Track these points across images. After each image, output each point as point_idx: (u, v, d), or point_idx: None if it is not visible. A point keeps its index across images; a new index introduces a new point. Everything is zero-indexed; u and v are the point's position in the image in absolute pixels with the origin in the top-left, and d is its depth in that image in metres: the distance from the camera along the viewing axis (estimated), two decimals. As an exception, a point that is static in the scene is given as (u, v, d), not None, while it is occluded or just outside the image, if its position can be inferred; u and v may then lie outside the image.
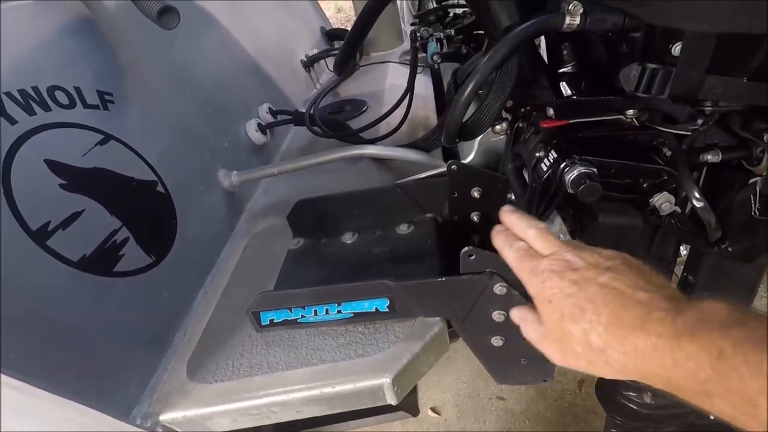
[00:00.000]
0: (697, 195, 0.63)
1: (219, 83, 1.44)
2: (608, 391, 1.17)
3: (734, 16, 0.47)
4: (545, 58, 0.76)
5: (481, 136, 1.03)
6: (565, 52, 0.66)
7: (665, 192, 0.65)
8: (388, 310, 0.79)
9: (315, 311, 0.81)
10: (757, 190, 0.70)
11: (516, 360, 0.86)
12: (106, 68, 1.01)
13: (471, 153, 1.05)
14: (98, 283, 0.78)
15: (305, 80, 2.24)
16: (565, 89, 0.68)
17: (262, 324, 0.83)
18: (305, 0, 2.90)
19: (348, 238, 1.05)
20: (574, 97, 0.67)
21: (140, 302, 0.86)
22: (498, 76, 0.59)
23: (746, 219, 0.73)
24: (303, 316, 0.82)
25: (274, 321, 0.82)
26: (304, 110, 1.74)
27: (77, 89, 0.89)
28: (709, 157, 0.69)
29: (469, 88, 0.58)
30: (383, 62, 2.48)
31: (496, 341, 0.83)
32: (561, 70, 0.67)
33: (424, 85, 2.08)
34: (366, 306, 0.79)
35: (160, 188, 1.02)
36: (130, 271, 0.86)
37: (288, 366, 0.79)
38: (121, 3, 1.07)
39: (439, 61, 1.39)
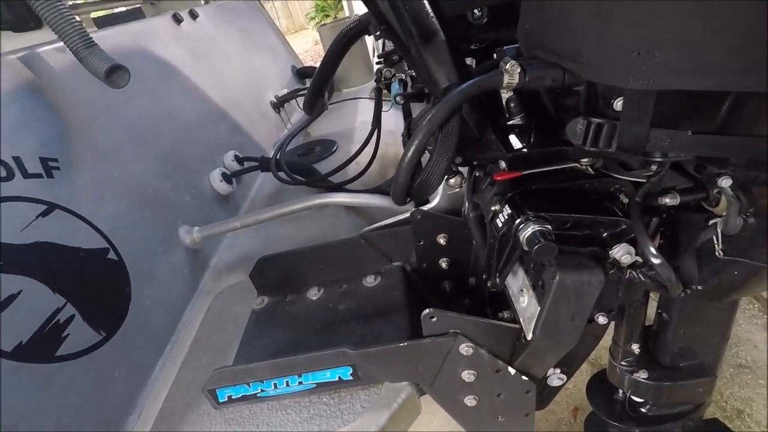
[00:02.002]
0: (653, 252, 0.61)
1: (181, 135, 1.41)
2: (597, 425, 1.12)
3: (671, 74, 0.46)
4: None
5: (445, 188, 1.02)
6: (512, 105, 0.64)
7: (624, 243, 0.63)
8: (351, 377, 0.75)
9: (275, 384, 0.76)
10: (718, 230, 0.68)
11: (492, 418, 0.82)
12: (52, 133, 0.97)
13: (436, 198, 1.03)
14: (37, 372, 0.72)
15: (275, 122, 2.23)
16: (515, 141, 0.66)
17: (220, 401, 0.78)
18: (276, 39, 2.93)
19: (313, 293, 1.01)
20: (525, 149, 0.65)
21: (88, 386, 0.80)
22: (440, 137, 0.56)
23: (712, 259, 0.71)
24: (262, 390, 0.77)
25: (233, 397, 0.77)
26: (272, 154, 1.72)
27: (16, 159, 0.85)
28: (668, 201, 0.68)
29: (410, 154, 0.56)
30: (353, 98, 2.49)
31: (470, 401, 0.79)
32: (510, 123, 0.66)
33: (394, 120, 2.08)
34: (328, 375, 0.75)
35: (111, 255, 0.97)
36: (76, 353, 0.80)
37: (247, 448, 0.73)
38: (68, 62, 1.04)
39: (402, 101, 1.38)
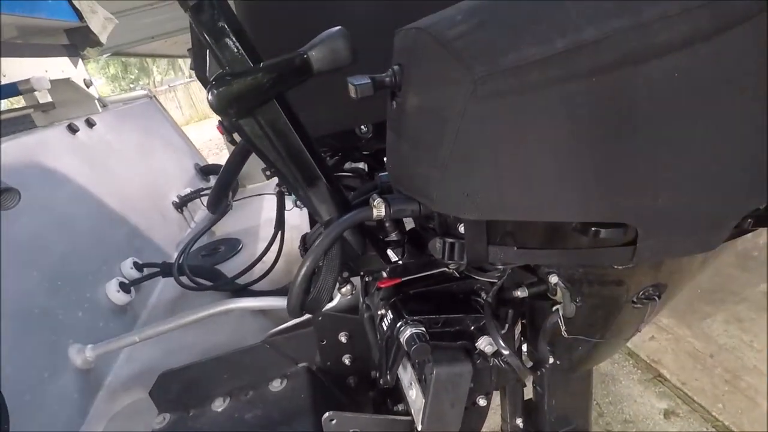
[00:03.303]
0: (501, 344, 0.75)
1: (74, 247, 1.37)
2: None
3: (491, 209, 0.61)
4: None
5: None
6: (387, 225, 0.78)
7: (486, 336, 0.76)
8: (257, 492, 0.76)
9: None
10: (560, 315, 0.84)
11: None
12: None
13: (335, 300, 1.11)
14: None
15: (178, 222, 2.21)
16: (392, 255, 0.79)
17: None
18: (177, 138, 2.97)
19: (218, 405, 1.00)
20: (400, 261, 0.77)
21: None
22: (326, 259, 0.67)
23: (561, 338, 0.87)
24: None
25: None
26: (176, 253, 1.70)
27: None
28: (519, 293, 0.83)
29: (301, 274, 0.65)
30: (258, 195, 2.57)
31: (376, 499, 0.82)
32: (387, 239, 0.79)
33: (299, 216, 2.18)
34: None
35: (-11, 389, 0.90)
36: None
37: None
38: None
39: (302, 206, 1.50)
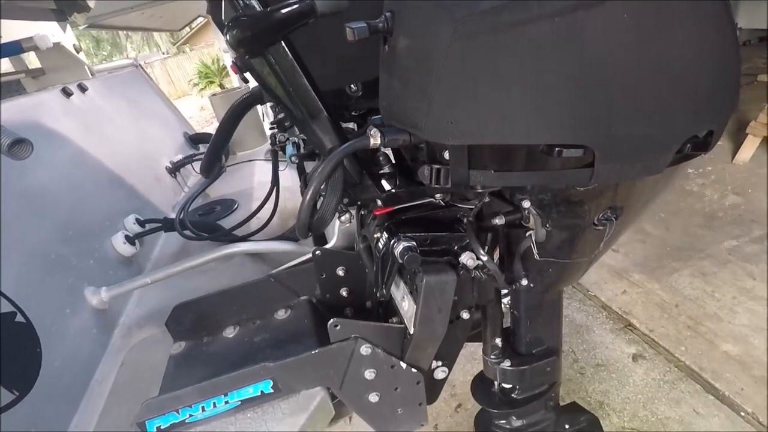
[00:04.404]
0: (481, 252, 0.86)
1: (79, 203, 1.44)
2: (484, 423, 1.34)
3: (472, 135, 0.72)
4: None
5: (338, 225, 1.22)
6: (381, 158, 0.88)
7: (469, 251, 0.88)
8: (272, 390, 0.88)
9: (202, 407, 0.85)
10: (533, 239, 0.96)
11: (393, 411, 0.99)
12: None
13: (333, 238, 1.22)
14: (-44, 430, 0.74)
15: (172, 186, 2.28)
16: (386, 185, 0.89)
17: (149, 433, 0.85)
18: (165, 107, 3.00)
19: (230, 332, 1.11)
20: (393, 190, 0.88)
21: (6, 443, 0.82)
22: (329, 184, 0.77)
23: (533, 261, 0.99)
24: (191, 416, 0.85)
25: (162, 427, 0.85)
26: (173, 215, 1.78)
27: None
28: (497, 221, 0.95)
29: (308, 196, 0.75)
30: (250, 161, 2.64)
31: (373, 398, 0.95)
32: (381, 171, 0.89)
33: (290, 178, 2.27)
34: (251, 391, 0.87)
35: (20, 318, 0.99)
36: (-8, 411, 0.82)
37: (180, 468, 0.81)
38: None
39: (297, 161, 1.58)
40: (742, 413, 1.98)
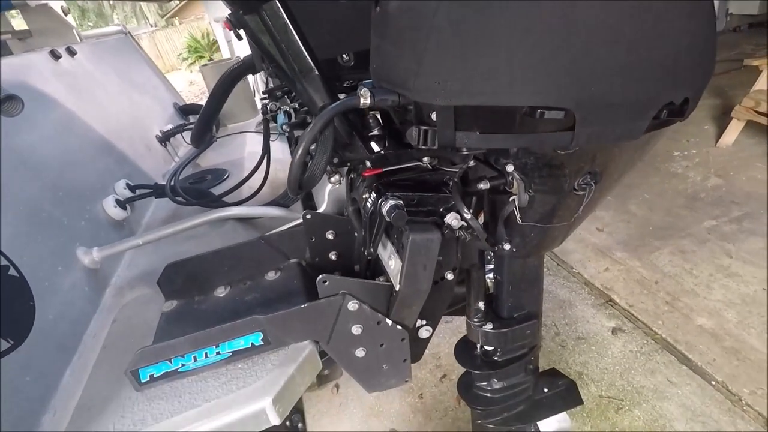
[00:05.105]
0: (465, 211, 0.90)
1: (70, 165, 1.45)
2: (466, 386, 1.40)
3: (459, 95, 0.74)
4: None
5: (329, 189, 1.25)
6: (370, 120, 0.90)
7: (454, 212, 0.91)
8: (262, 342, 0.91)
9: (194, 357, 0.89)
10: (516, 204, 1.00)
11: (379, 367, 1.03)
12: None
13: (323, 203, 1.25)
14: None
15: (162, 155, 2.28)
16: (375, 147, 0.91)
17: (142, 381, 0.88)
18: (155, 77, 2.96)
19: (221, 292, 1.14)
20: (382, 152, 0.90)
21: None
22: (320, 141, 0.79)
23: (516, 226, 1.03)
24: (183, 365, 0.89)
25: (155, 375, 0.88)
26: (164, 183, 1.79)
27: None
28: (481, 186, 0.98)
29: (299, 153, 0.77)
30: (240, 132, 2.63)
31: (359, 353, 0.99)
32: (371, 134, 0.91)
33: (281, 150, 2.28)
34: (242, 343, 0.90)
35: (12, 272, 1.01)
36: (-13, 358, 0.84)
37: (173, 413, 0.85)
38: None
39: (288, 130, 1.59)
40: (713, 382, 2.08)
